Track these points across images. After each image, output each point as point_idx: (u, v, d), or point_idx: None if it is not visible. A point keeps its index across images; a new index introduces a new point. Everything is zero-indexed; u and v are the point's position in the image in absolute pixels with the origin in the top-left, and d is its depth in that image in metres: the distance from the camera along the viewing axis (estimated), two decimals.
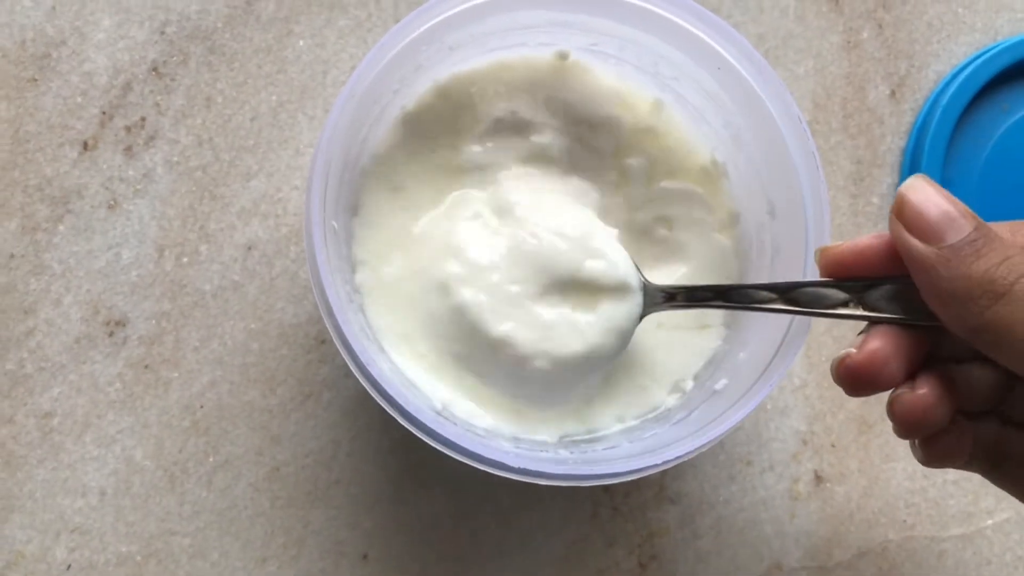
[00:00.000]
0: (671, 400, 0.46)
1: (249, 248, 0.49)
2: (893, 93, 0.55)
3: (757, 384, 0.42)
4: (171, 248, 0.49)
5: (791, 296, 0.39)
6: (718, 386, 0.45)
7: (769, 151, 0.45)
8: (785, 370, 0.41)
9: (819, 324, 0.53)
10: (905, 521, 0.52)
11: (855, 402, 0.52)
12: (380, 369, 0.39)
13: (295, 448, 0.48)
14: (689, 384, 0.46)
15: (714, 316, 0.48)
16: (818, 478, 0.51)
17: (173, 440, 0.48)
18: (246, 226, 0.50)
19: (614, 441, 0.45)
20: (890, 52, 0.56)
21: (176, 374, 0.48)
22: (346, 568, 0.48)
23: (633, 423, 0.46)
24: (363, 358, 0.39)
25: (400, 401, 0.38)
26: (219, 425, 0.48)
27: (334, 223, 0.42)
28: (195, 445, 0.48)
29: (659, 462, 0.40)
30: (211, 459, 0.48)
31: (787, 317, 0.43)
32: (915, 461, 0.51)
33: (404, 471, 0.49)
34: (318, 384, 0.49)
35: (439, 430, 0.38)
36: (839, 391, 0.51)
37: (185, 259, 0.49)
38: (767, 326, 0.44)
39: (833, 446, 0.52)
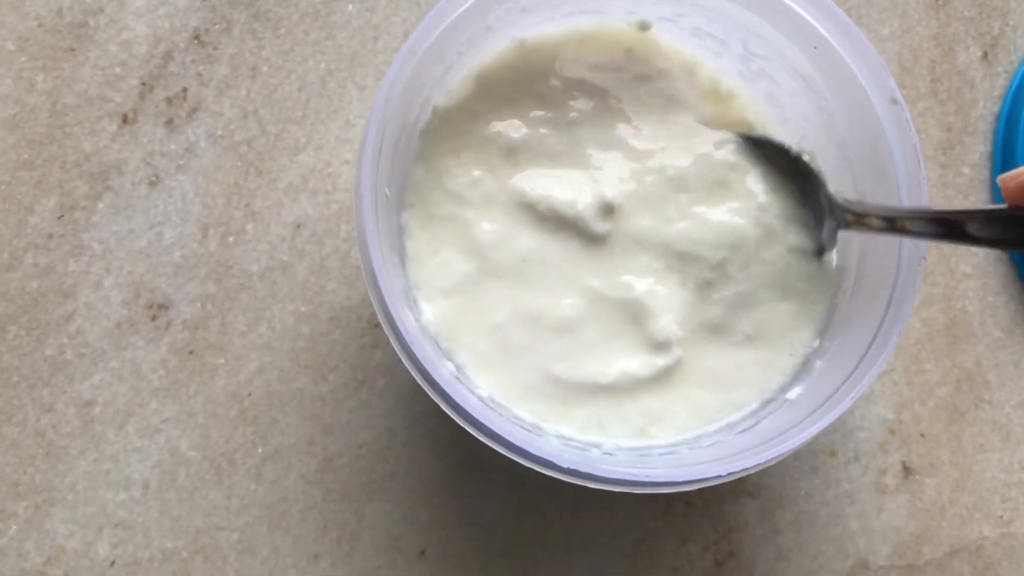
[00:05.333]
0: (737, 411, 0.43)
1: (298, 226, 0.47)
2: (985, 55, 0.52)
3: (834, 397, 0.38)
4: (216, 227, 0.47)
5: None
6: (791, 395, 0.42)
7: (864, 142, 0.41)
8: (867, 384, 0.38)
9: None
10: (1002, 517, 0.48)
11: (946, 389, 0.49)
12: (425, 352, 0.36)
13: (348, 438, 0.46)
14: (758, 397, 0.43)
15: (799, 319, 0.44)
16: (907, 470, 0.48)
17: (220, 430, 0.45)
18: (294, 203, 0.47)
19: (673, 448, 0.42)
20: (982, 10, 0.52)
21: (222, 360, 0.46)
22: (402, 565, 0.45)
23: (695, 432, 0.43)
24: (407, 337, 0.36)
25: (445, 387, 0.35)
26: (268, 414, 0.46)
27: (386, 190, 0.39)
28: (243, 435, 0.45)
29: (722, 474, 0.37)
30: (260, 450, 0.45)
31: (875, 323, 0.39)
32: (1012, 452, 0.49)
33: (464, 462, 0.46)
34: (372, 370, 0.46)
35: (484, 421, 0.36)
36: (929, 377, 0.49)
37: (231, 238, 0.47)
38: (851, 333, 0.41)
39: (923, 436, 0.48)
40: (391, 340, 0.37)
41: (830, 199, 0.42)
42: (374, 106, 0.37)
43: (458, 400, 0.35)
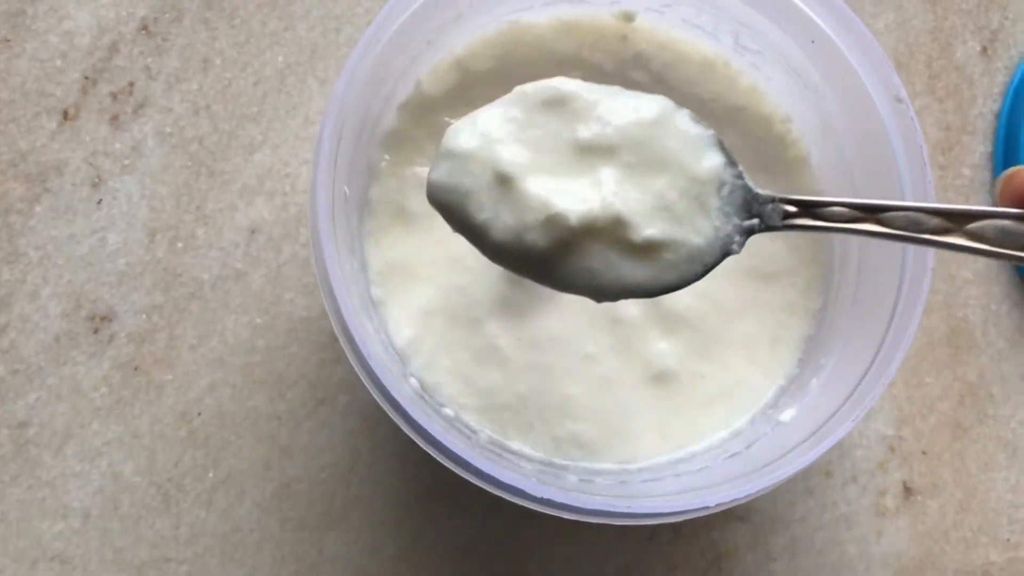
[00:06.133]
0: (725, 430, 0.40)
1: (253, 231, 0.44)
2: (985, 49, 0.50)
3: (832, 420, 0.36)
4: (164, 232, 0.44)
5: (973, 230, 0.30)
6: (784, 417, 0.39)
7: (865, 143, 0.39)
8: (869, 406, 0.35)
9: None
10: (1008, 540, 0.46)
11: (948, 403, 0.46)
12: (385, 368, 0.34)
13: (307, 461, 0.43)
14: (748, 417, 0.41)
15: (789, 329, 0.42)
16: (908, 490, 0.46)
17: (167, 453, 0.42)
18: (249, 206, 0.44)
19: (657, 472, 0.39)
20: (980, 3, 0.50)
21: (170, 376, 0.43)
22: None
23: (680, 453, 0.40)
24: (364, 351, 0.33)
25: (406, 407, 0.33)
26: (220, 435, 0.43)
27: (346, 188, 0.36)
28: (192, 458, 0.42)
29: (710, 504, 0.34)
30: (211, 475, 0.42)
31: (877, 336, 0.36)
32: (1019, 470, 0.47)
33: (434, 486, 0.43)
34: (333, 387, 0.43)
35: (447, 444, 0.33)
36: (930, 391, 0.46)
37: (180, 244, 0.44)
38: (850, 347, 0.38)
39: (924, 453, 0.46)
40: (348, 354, 0.34)
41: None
42: (332, 96, 0.35)
43: (420, 421, 0.32)
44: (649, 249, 0.32)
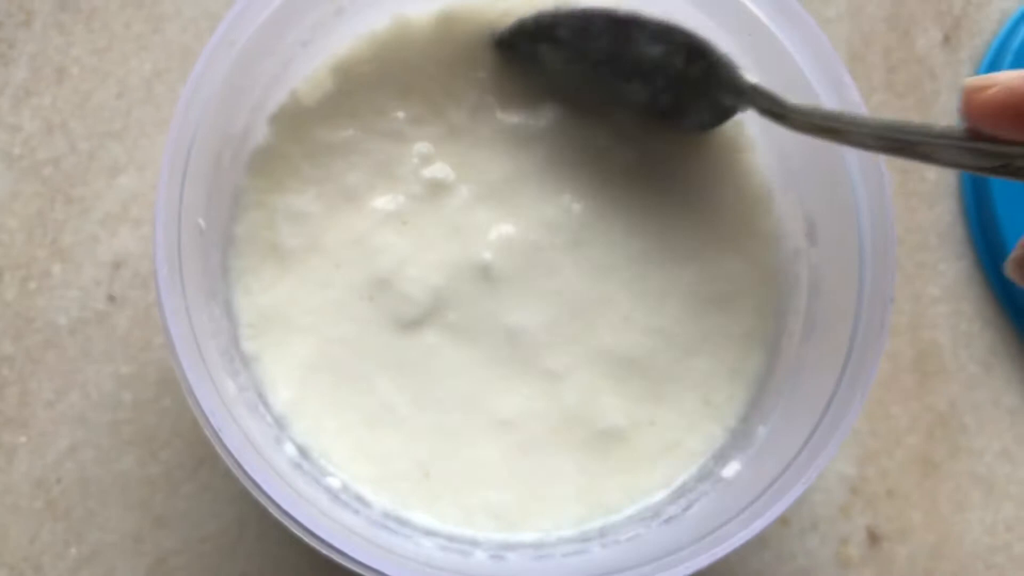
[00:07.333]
0: (667, 489, 0.36)
1: (117, 266, 0.40)
2: (947, 38, 0.46)
3: (785, 476, 0.32)
4: (13, 271, 0.40)
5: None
6: (727, 472, 0.36)
7: (813, 152, 0.36)
8: (828, 458, 0.31)
9: None
10: None
11: (916, 437, 0.43)
12: (238, 434, 0.30)
13: (187, 531, 0.39)
14: (695, 469, 0.36)
15: (746, 362, 0.37)
16: (873, 537, 0.42)
17: (21, 528, 0.38)
18: (113, 237, 0.40)
19: (581, 541, 0.35)
20: None
21: (23, 439, 0.39)
22: None
23: (612, 518, 0.36)
24: (213, 419, 0.29)
25: (263, 485, 0.28)
26: (83, 505, 0.39)
27: (200, 221, 0.32)
28: (52, 533, 0.38)
29: None
30: (73, 551, 0.38)
31: (831, 380, 0.33)
32: (996, 508, 0.43)
33: (332, 560, 0.38)
34: (213, 444, 0.38)
35: (315, 529, 0.29)
36: (895, 423, 0.43)
37: (32, 284, 0.40)
38: (801, 391, 0.35)
39: (890, 494, 0.42)
40: (198, 418, 0.29)
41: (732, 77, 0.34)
42: (175, 114, 0.30)
43: (279, 500, 0.28)
44: None
